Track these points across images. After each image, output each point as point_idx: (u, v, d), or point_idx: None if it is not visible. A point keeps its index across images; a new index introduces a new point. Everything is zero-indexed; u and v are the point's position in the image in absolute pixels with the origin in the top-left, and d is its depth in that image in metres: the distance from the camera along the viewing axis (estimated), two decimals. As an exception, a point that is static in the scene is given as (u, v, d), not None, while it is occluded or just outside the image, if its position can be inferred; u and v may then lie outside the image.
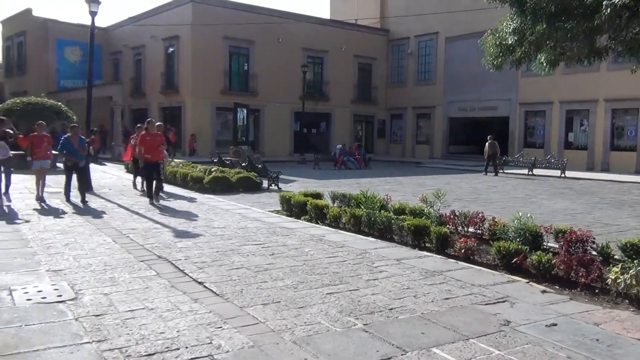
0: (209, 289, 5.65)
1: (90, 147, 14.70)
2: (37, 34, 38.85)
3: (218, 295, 5.44)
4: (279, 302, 5.23)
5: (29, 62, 39.47)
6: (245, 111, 24.88)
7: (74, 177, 12.47)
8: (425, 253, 7.55)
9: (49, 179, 13.65)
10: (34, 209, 10.97)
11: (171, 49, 33.17)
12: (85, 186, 12.62)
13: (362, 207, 10.13)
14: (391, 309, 5.06)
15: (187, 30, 31.15)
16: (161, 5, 33.84)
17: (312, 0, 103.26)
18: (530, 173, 24.26)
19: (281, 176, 17.25)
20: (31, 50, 39.19)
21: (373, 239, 8.50)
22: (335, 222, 9.77)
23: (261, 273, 6.29)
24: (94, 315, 4.76)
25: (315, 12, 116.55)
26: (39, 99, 25.63)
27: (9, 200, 11.60)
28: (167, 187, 14.96)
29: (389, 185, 18.43)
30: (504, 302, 5.37)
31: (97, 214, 10.62)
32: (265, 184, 16.51)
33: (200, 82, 31.24)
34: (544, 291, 5.78)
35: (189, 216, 10.58)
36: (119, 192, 14.47)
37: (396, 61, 38.97)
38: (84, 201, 11.93)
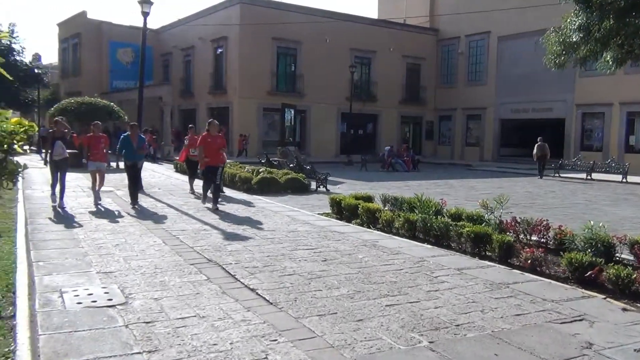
0: (262, 296, 5.39)
1: (151, 147, 14.76)
2: (91, 36, 39.98)
3: (271, 303, 5.17)
4: (336, 313, 4.92)
5: (83, 63, 40.64)
6: (292, 111, 24.80)
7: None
8: (486, 262, 7.10)
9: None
10: (86, 208, 11.03)
11: (220, 50, 33.46)
12: (137, 188, 12.23)
13: (417, 211, 9.73)
14: (458, 325, 4.67)
15: (235, 31, 31.33)
16: (210, 7, 34.21)
17: (360, 0, 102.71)
18: (589, 177, 23.17)
19: (329, 178, 16.98)
20: (85, 52, 40.33)
21: (429, 246, 8.09)
22: (388, 227, 9.40)
23: (315, 280, 6.00)
24: (144, 323, 4.57)
25: (363, 12, 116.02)
26: (92, 99, 26.27)
27: (62, 206, 10.90)
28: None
29: (439, 188, 17.88)
30: (581, 320, 4.90)
31: (147, 214, 10.59)
32: (313, 185, 16.27)
33: (247, 83, 31.38)
34: (624, 309, 5.26)
35: (238, 217, 10.42)
36: (168, 192, 14.50)
37: (446, 61, 38.16)
38: (135, 202, 11.66)
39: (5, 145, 3.26)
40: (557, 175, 24.37)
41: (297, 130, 31.40)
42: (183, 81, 37.50)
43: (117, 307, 4.97)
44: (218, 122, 12.29)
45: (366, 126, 37.03)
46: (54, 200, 11.16)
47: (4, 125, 3.37)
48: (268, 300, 5.26)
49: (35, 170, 18.92)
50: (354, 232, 9.18)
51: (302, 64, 33.14)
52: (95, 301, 5.12)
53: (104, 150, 12.07)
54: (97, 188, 11.75)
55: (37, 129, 3.78)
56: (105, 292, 5.40)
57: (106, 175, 14.95)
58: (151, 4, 14.99)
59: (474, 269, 6.69)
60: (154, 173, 20.17)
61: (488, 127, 35.25)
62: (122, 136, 12.17)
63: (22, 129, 3.62)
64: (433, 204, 9.79)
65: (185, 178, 16.11)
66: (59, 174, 11.21)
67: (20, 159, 5.84)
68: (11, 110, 8.65)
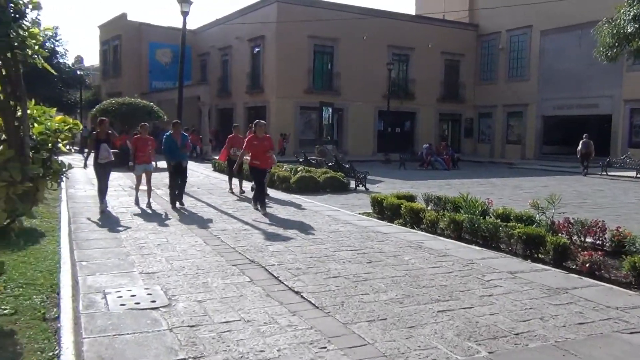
0: (307, 299, 5.21)
1: (197, 147, 14.52)
2: (131, 38, 40.67)
3: (317, 307, 4.98)
4: (385, 319, 4.69)
5: (124, 64, 41.38)
6: (330, 110, 24.57)
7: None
8: (540, 266, 6.75)
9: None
10: (127, 208, 11.08)
11: (257, 49, 33.53)
12: (184, 187, 11.74)
13: (462, 211, 9.41)
14: (517, 334, 4.38)
15: (273, 30, 31.32)
16: (247, 7, 34.30)
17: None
18: (639, 176, 22.20)
19: (367, 176, 16.71)
20: (126, 53, 41.06)
21: (478, 248, 7.77)
22: (432, 228, 9.10)
23: (361, 283, 5.78)
24: (188, 326, 4.44)
25: (400, 8, 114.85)
26: (132, 99, 26.66)
27: (105, 207, 10.50)
28: (246, 184, 14.74)
29: (482, 187, 17.40)
30: (652, 330, 4.54)
31: (187, 214, 10.56)
32: (352, 184, 16.03)
33: (284, 82, 31.33)
34: (698, 318, 4.87)
35: (278, 217, 10.28)
36: (207, 191, 14.50)
37: (485, 57, 37.29)
38: (181, 202, 11.34)
39: (49, 144, 3.13)
40: (605, 173, 23.45)
41: (334, 129, 31.18)
42: (220, 81, 37.76)
43: (161, 309, 4.86)
44: (262, 121, 11.69)
45: (404, 124, 36.53)
46: (103, 209, 10.33)
47: (48, 123, 3.25)
48: (314, 304, 5.07)
49: (78, 169, 19.28)
50: (397, 232, 8.91)
51: (338, 62, 32.91)
52: (138, 303, 5.02)
53: (151, 152, 11.70)
54: (147, 190, 11.48)
55: (81, 127, 3.64)
56: (149, 294, 5.30)
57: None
58: (190, 3, 15.02)
59: (527, 273, 6.35)
60: (193, 172, 20.27)
61: (530, 124, 34.27)
62: (164, 135, 11.71)
63: (66, 127, 3.48)
64: (479, 204, 9.46)
65: (225, 177, 16.09)
66: (102, 178, 10.59)
67: (64, 159, 5.80)
68: (55, 109, 7.67)
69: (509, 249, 7.69)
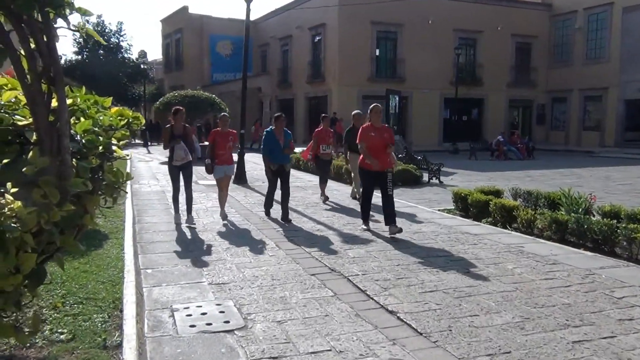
0: (406, 322, 4.37)
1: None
2: (193, 31, 40.81)
3: (421, 334, 4.13)
4: (510, 352, 3.79)
5: (186, 57, 41.62)
6: (397, 98, 23.43)
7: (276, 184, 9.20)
8: (676, 278, 5.62)
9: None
10: (206, 225, 9.37)
11: (318, 38, 32.72)
12: (287, 198, 9.06)
13: (563, 209, 8.30)
14: (691, 380, 3.38)
15: (334, 17, 30.41)
16: (307, -6, 33.51)
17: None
18: None
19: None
20: (187, 46, 41.27)
21: (590, 253, 6.68)
22: (528, 228, 8.05)
23: (465, 300, 4.88)
24: (270, 358, 3.70)
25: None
26: (194, 92, 26.51)
27: (192, 222, 8.42)
28: (311, 178, 14.00)
29: (567, 178, 15.94)
30: None
31: (254, 211, 9.90)
32: (424, 177, 15.00)
33: (346, 70, 30.39)
34: None
35: (350, 215, 9.45)
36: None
37: (560, 38, 34.91)
38: (286, 218, 8.78)
39: (100, 146, 2.31)
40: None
41: (398, 118, 30.03)
42: (280, 71, 37.21)
43: (236, 332, 4.15)
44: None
45: (471, 112, 34.83)
46: (178, 219, 8.47)
47: (101, 118, 2.47)
48: (415, 329, 4.22)
49: (141, 163, 19.19)
50: (488, 233, 7.92)
51: (402, 48, 31.59)
52: (210, 324, 4.34)
53: (232, 152, 9.16)
54: (220, 197, 9.11)
55: (143, 121, 2.77)
56: (221, 312, 4.62)
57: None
58: (253, -10, 14.37)
59: (665, 288, 5.26)
60: (255, 165, 19.78)
61: (610, 109, 31.82)
62: (265, 132, 9.28)
63: (123, 122, 2.67)
64: (583, 200, 8.32)
65: (303, 175, 15.36)
66: (182, 181, 8.57)
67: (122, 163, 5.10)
68: (111, 98, 6.00)
69: (627, 255, 6.58)
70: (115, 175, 2.41)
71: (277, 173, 9.00)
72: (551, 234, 7.66)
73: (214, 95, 26.70)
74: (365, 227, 8.18)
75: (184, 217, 8.57)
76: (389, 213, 7.73)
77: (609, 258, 6.46)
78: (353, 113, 10.98)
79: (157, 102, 27.12)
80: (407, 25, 31.15)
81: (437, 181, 14.77)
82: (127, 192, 2.70)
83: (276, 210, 9.18)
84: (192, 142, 8.57)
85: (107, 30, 42.10)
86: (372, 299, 4.97)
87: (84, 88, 2.50)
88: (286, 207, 8.91)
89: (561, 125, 35.38)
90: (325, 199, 11.04)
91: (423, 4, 30.85)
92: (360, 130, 8.17)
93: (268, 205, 9.37)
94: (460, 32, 32.47)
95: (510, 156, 24.40)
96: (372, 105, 8.24)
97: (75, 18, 6.02)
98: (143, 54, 40.89)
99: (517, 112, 36.55)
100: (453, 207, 10.08)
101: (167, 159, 8.85)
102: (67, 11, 2.04)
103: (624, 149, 28.82)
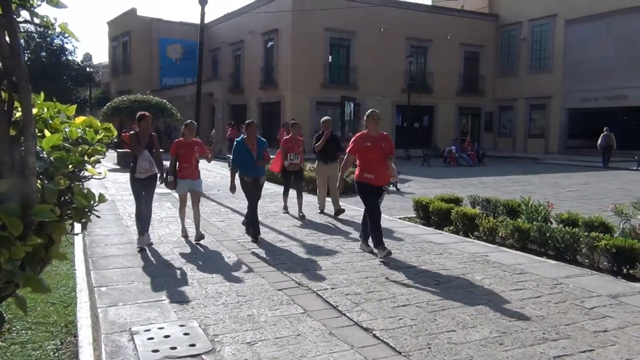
0: (383, 340, 4.19)
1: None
2: (141, 34, 39.74)
3: (400, 353, 3.96)
4: (492, 371, 3.67)
5: (134, 61, 40.47)
6: (352, 105, 23.45)
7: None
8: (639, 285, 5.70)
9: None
10: (173, 247, 8.80)
11: (270, 43, 32.46)
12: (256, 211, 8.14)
13: (523, 217, 8.38)
14: (676, 396, 3.34)
15: (287, 23, 30.23)
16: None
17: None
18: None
19: (397, 175, 15.64)
20: (136, 50, 40.15)
21: (554, 262, 6.72)
22: (490, 236, 8.06)
23: (439, 315, 4.75)
24: (243, 386, 3.44)
25: None
26: (144, 96, 25.67)
27: (148, 240, 7.49)
28: (270, 186, 13.78)
29: (518, 185, 16.28)
30: None
31: (212, 221, 9.55)
32: (381, 184, 14.94)
33: (300, 76, 30.24)
34: None
35: (310, 224, 9.26)
36: (229, 194, 13.47)
37: (506, 48, 35.98)
38: (256, 239, 7.82)
39: (70, 166, 1.93)
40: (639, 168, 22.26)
41: (353, 125, 30.12)
42: (232, 76, 36.70)
43: (204, 357, 3.87)
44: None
45: (422, 119, 35.36)
46: (141, 242, 7.27)
47: (67, 130, 2.09)
48: (394, 348, 4.05)
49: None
50: (452, 242, 7.88)
51: (355, 55, 31.75)
52: (174, 347, 4.03)
53: (198, 163, 8.13)
54: (194, 217, 7.94)
55: (115, 132, 2.35)
56: (185, 334, 4.30)
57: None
58: (207, -7, 14.03)
59: (631, 296, 5.31)
60: (209, 173, 19.31)
61: (554, 117, 33.00)
62: (236, 141, 8.19)
63: (99, 136, 2.21)
64: (542, 209, 8.42)
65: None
66: (143, 197, 7.46)
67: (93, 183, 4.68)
68: (75, 106, 5.02)
69: (588, 263, 6.66)
70: (86, 198, 2.06)
71: (253, 186, 8.04)
72: (513, 242, 7.69)
73: (164, 101, 25.93)
74: (366, 248, 7.19)
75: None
76: (379, 234, 6.83)
77: (572, 266, 6.51)
78: (322, 120, 10.78)
79: (105, 107, 26.09)
80: (359, 33, 31.33)
81: (394, 189, 14.76)
82: (99, 217, 2.31)
83: (234, 221, 8.86)
84: (159, 152, 7.55)
85: (49, 32, 40.47)
86: (344, 315, 4.77)
87: (42, 94, 2.15)
88: (256, 221, 8.01)
89: (508, 133, 36.41)
90: (286, 209, 10.63)
91: (375, 12, 31.12)
92: (353, 138, 7.14)
93: (252, 224, 7.97)
94: (411, 41, 32.94)
95: (462, 162, 24.82)
96: (369, 111, 7.26)
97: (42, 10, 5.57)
98: (88, 57, 39.54)
99: (467, 119, 37.38)
100: (414, 215, 10.04)
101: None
102: (36, 1, 1.72)
103: (567, 156, 29.90)
